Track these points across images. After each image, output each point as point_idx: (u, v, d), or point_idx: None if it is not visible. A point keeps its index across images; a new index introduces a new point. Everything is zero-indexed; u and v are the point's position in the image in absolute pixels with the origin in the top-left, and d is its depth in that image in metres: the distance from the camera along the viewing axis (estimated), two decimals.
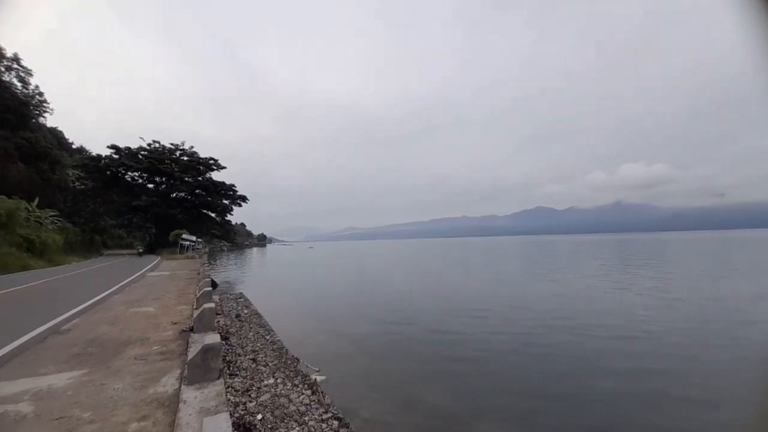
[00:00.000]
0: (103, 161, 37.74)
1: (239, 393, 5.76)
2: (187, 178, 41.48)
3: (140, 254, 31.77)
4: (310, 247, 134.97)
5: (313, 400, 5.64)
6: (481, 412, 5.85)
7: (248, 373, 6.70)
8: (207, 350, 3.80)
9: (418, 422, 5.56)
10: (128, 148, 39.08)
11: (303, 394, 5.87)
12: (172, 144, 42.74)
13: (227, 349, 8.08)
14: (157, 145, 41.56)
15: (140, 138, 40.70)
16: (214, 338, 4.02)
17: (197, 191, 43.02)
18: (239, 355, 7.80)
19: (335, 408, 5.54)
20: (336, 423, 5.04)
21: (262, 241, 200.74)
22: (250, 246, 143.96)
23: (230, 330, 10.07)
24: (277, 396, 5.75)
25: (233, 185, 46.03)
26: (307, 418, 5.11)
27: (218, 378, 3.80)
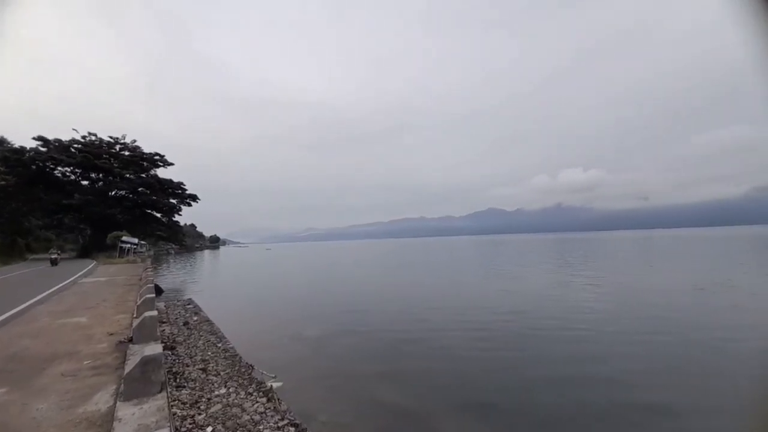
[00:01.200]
0: (27, 154, 33.17)
1: (187, 406, 5.36)
2: (128, 175, 37.90)
3: (54, 262, 22.31)
4: (268, 249, 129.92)
5: (269, 408, 5.40)
6: (438, 408, 5.94)
7: (197, 384, 6.27)
8: (147, 362, 3.48)
9: (377, 421, 5.54)
10: (58, 141, 34.80)
11: (258, 402, 5.60)
12: (111, 137, 38.85)
13: (173, 360, 7.49)
14: (93, 137, 37.50)
15: (73, 129, 36.52)
16: (155, 349, 3.69)
17: (140, 189, 39.46)
18: (187, 366, 7.26)
19: (292, 414, 5.35)
20: (293, 430, 4.87)
21: (214, 242, 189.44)
22: (201, 248, 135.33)
23: (177, 339, 9.36)
24: (229, 406, 5.43)
25: (182, 183, 42.95)
26: (261, 427, 4.88)
27: (160, 391, 3.48)
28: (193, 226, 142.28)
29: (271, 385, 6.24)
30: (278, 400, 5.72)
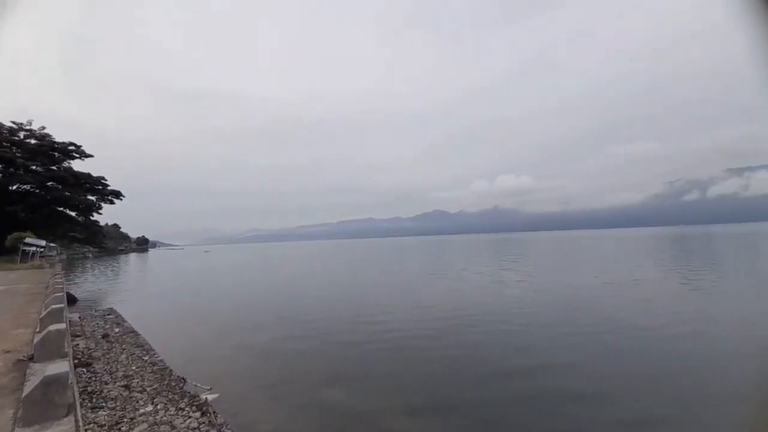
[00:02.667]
0: None
1: (105, 428, 4.74)
2: (35, 167, 32.57)
3: None
4: (206, 251, 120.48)
5: (203, 423, 5.00)
6: (388, 409, 5.91)
7: (119, 403, 5.58)
8: (49, 382, 3.00)
9: (325, 427, 5.41)
10: None
11: (191, 417, 5.15)
12: (13, 123, 33.11)
13: (89, 378, 6.58)
14: None
15: None
16: (60, 367, 3.16)
17: (50, 184, 34.13)
18: (106, 384, 6.43)
19: (230, 427, 5.01)
20: None
21: (142, 245, 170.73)
22: (126, 251, 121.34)
23: (94, 354, 8.25)
24: (156, 424, 4.91)
25: (102, 178, 38.10)
26: None
27: (67, 415, 3.02)
28: (116, 226, 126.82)
29: (206, 398, 5.78)
30: (214, 413, 5.32)
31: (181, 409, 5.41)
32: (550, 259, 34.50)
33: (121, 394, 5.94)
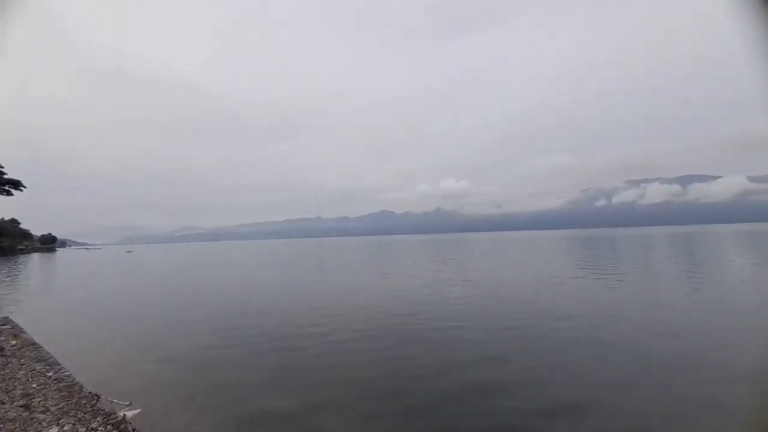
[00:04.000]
0: None
1: None
2: None
3: None
4: (129, 252, 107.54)
5: None
6: (320, 419, 5.72)
7: (18, 425, 4.89)
8: None
9: None
10: None
11: None
12: None
13: None
14: None
15: None
16: None
17: None
18: (2, 403, 5.58)
19: None
20: None
21: (49, 243, 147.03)
22: (28, 251, 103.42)
23: None
24: None
25: None
26: None
27: None
28: (14, 221, 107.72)
29: (124, 415, 5.31)
30: (134, 430, 4.93)
31: (93, 429, 4.91)
32: (486, 258, 37.17)
33: (19, 415, 5.20)
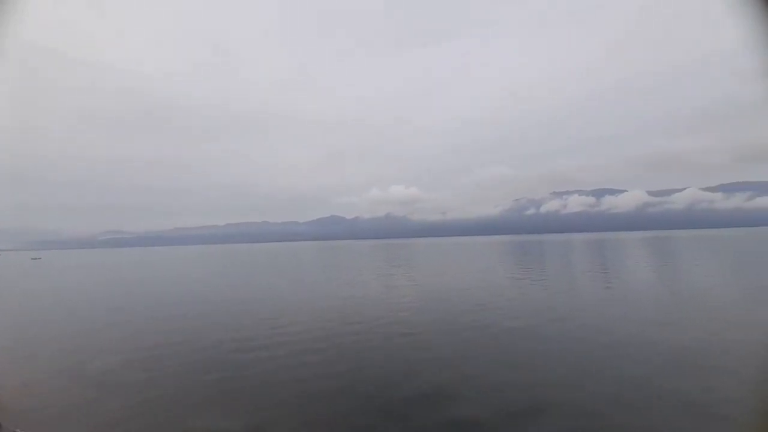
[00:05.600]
0: None
1: None
2: None
3: None
4: (35, 259, 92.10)
5: None
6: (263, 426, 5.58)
7: None
8: None
9: None
10: None
11: None
12: None
13: None
14: None
15: None
16: None
17: None
18: None
19: None
20: None
21: None
22: None
23: None
24: None
25: None
26: None
27: None
28: None
29: None
30: None
31: None
32: (434, 263, 38.60)
33: None
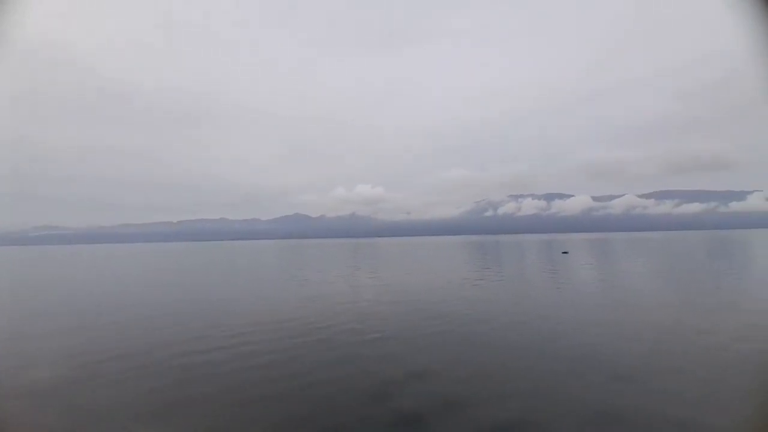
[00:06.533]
0: None
1: None
2: None
3: None
4: None
5: None
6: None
7: None
8: None
9: None
10: None
11: None
12: None
13: None
14: None
15: None
16: None
17: None
18: None
19: None
20: None
21: None
22: None
23: None
24: None
25: None
26: None
27: None
28: None
29: None
30: None
31: None
32: (398, 263, 39.41)
33: None
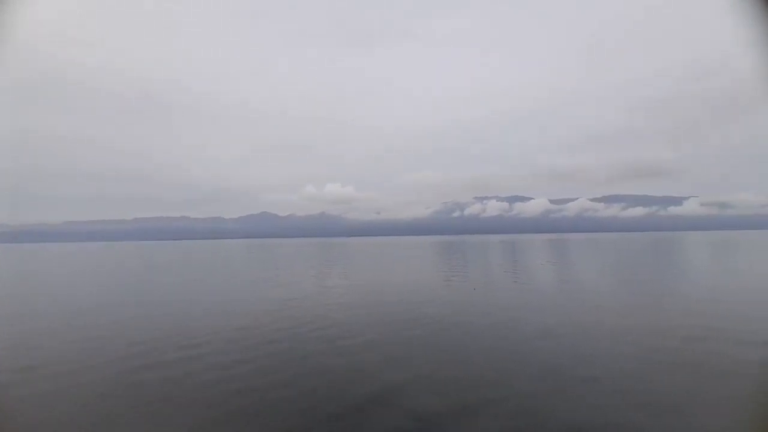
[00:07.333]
0: None
1: None
2: None
3: None
4: None
5: None
6: None
7: None
8: None
9: None
10: None
11: None
12: None
13: None
14: None
15: None
16: None
17: None
18: None
19: None
20: None
21: None
22: None
23: None
24: None
25: None
26: None
27: None
28: None
29: None
30: None
31: None
32: (370, 263, 39.19)
33: None
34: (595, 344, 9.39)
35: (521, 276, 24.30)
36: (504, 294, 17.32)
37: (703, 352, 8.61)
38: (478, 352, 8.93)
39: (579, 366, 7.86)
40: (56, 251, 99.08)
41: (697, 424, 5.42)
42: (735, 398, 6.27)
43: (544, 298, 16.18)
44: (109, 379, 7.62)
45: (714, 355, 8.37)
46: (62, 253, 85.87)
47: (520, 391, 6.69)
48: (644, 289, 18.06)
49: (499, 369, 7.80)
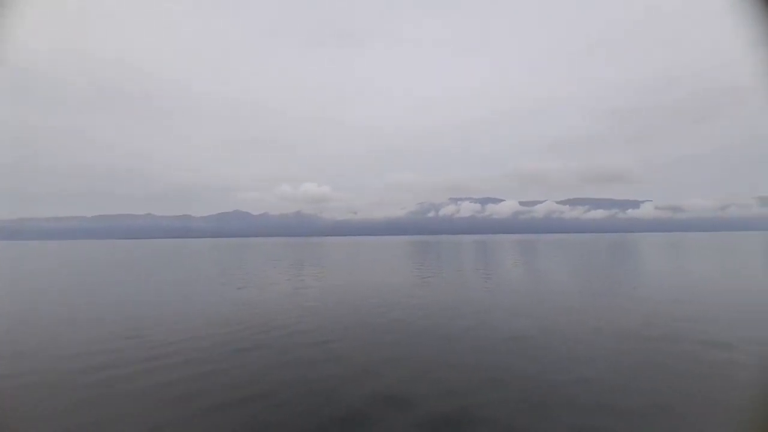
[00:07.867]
0: None
1: None
2: None
3: None
4: None
5: None
6: None
7: None
8: None
9: None
10: None
11: None
12: None
13: None
14: None
15: None
16: None
17: None
18: None
19: None
20: None
21: None
22: None
23: None
24: None
25: None
26: None
27: None
28: None
29: None
30: None
31: None
32: (346, 263, 38.18)
33: None
34: (569, 346, 9.09)
35: (493, 277, 24.29)
36: (476, 295, 17.04)
37: (672, 354, 8.51)
38: (451, 357, 8.46)
39: (552, 370, 7.44)
40: (4, 251, 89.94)
41: (671, 427, 5.08)
42: (713, 401, 6.10)
43: (516, 298, 16.01)
44: (70, 382, 6.29)
45: (685, 357, 8.27)
46: (11, 253, 78.10)
47: (493, 399, 6.18)
48: (609, 290, 18.42)
49: (473, 377, 7.29)
